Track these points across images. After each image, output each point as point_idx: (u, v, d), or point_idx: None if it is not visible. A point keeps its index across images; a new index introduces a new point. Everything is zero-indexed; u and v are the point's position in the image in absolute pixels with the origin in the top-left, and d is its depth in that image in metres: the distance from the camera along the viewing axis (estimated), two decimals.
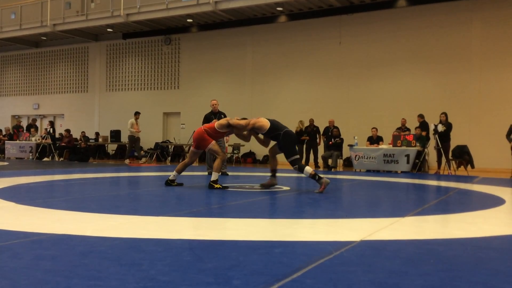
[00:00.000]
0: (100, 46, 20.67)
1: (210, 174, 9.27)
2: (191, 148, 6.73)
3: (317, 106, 15.80)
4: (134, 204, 5.00)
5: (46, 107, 22.25)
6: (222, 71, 17.88)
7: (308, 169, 6.13)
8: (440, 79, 14.32)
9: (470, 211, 4.75)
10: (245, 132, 6.62)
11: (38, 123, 20.51)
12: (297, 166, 6.13)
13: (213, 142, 6.49)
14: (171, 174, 6.78)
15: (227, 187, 6.52)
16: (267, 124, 6.22)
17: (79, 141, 17.71)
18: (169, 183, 6.67)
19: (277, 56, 16.83)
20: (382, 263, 2.51)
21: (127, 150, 15.20)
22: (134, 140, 14.69)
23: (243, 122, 6.46)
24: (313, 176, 6.07)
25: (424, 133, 12.03)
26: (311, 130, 13.86)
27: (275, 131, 6.21)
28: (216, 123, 6.56)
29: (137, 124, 14.73)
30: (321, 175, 6.17)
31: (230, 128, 6.52)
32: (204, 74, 18.24)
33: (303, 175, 6.23)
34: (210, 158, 9.58)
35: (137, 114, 15.03)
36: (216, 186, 6.35)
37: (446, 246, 3.00)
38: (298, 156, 6.25)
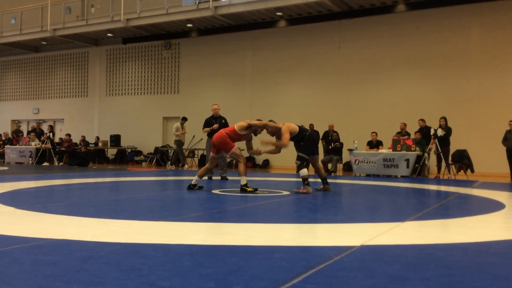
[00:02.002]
0: (100, 50, 20.71)
1: (210, 178, 9.29)
2: (211, 154, 6.94)
3: (317, 111, 15.82)
4: (134, 209, 4.99)
5: (46, 111, 22.27)
6: (222, 75, 17.90)
7: (304, 171, 6.58)
8: (439, 83, 14.34)
9: (470, 216, 4.74)
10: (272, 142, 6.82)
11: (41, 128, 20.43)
12: (299, 162, 6.62)
13: (236, 146, 6.68)
14: (193, 179, 6.95)
15: (256, 189, 6.59)
16: (296, 127, 6.72)
17: (79, 146, 17.70)
18: (191, 187, 6.86)
19: (277, 61, 16.85)
20: (382, 268, 2.51)
21: (174, 155, 15.01)
22: (181, 144, 14.54)
23: (270, 123, 6.74)
24: (303, 179, 6.57)
25: (417, 135, 12.00)
26: None
27: (302, 133, 6.72)
28: (236, 125, 6.71)
29: (182, 129, 14.55)
30: (309, 185, 6.63)
31: (250, 130, 6.70)
32: (204, 78, 18.27)
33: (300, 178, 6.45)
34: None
35: (183, 119, 14.81)
36: (248, 189, 6.46)
37: (447, 251, 2.99)
38: (307, 157, 6.70)
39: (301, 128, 6.79)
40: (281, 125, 6.66)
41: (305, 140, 6.68)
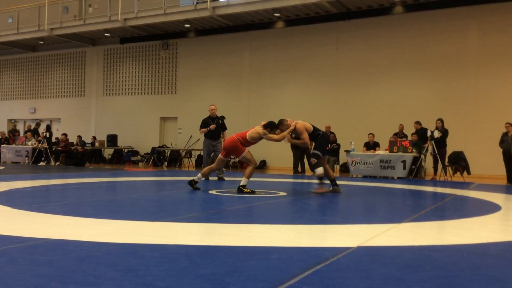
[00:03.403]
0: (97, 50, 20.66)
1: (207, 179, 9.28)
2: (220, 156, 7.08)
3: (314, 112, 15.81)
4: (130, 209, 4.99)
5: (43, 111, 22.20)
6: (220, 76, 17.89)
7: (321, 170, 6.65)
8: (436, 85, 14.37)
9: (467, 218, 4.76)
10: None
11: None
12: (316, 161, 6.69)
13: (247, 150, 6.78)
14: (197, 176, 7.05)
15: (254, 191, 6.62)
16: (311, 126, 6.84)
17: (76, 146, 17.66)
18: (192, 183, 6.95)
19: (275, 62, 16.86)
20: (378, 269, 2.51)
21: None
22: None
23: (278, 134, 6.81)
24: (320, 178, 6.69)
25: (414, 137, 12.02)
26: None
27: (316, 131, 6.83)
28: (248, 135, 6.78)
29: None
30: (325, 185, 6.71)
31: (260, 139, 6.80)
32: (201, 79, 18.25)
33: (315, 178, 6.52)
34: (208, 164, 9.57)
35: None
36: (245, 190, 6.53)
37: (443, 253, 3.00)
38: (321, 155, 6.77)
39: (315, 127, 6.90)
40: (293, 123, 6.73)
41: (319, 138, 6.78)
